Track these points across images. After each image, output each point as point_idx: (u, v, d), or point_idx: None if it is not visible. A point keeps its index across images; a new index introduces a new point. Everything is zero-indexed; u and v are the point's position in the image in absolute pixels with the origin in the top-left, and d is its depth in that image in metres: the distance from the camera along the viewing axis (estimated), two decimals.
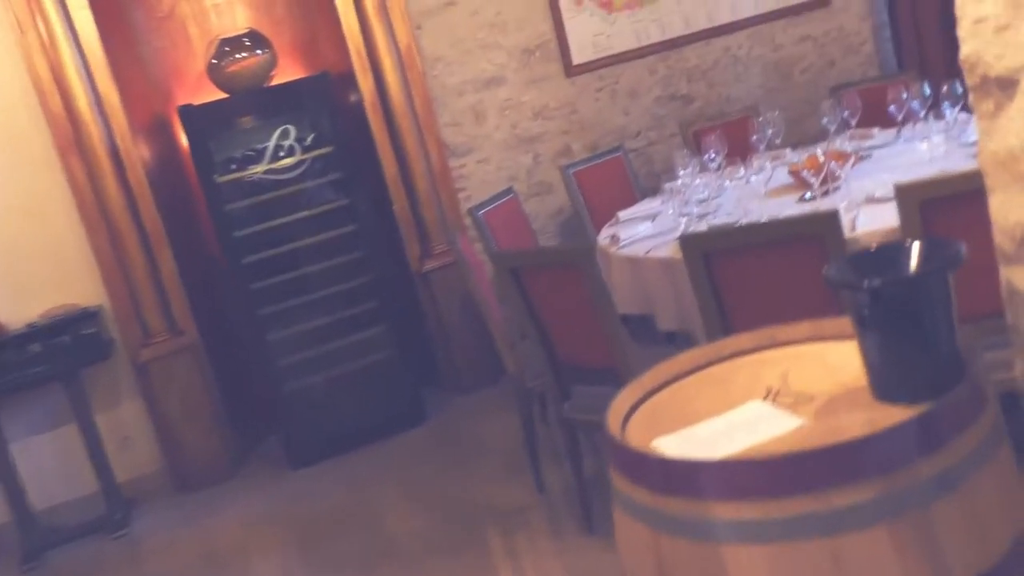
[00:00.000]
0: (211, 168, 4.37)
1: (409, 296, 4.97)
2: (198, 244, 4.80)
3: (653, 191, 4.70)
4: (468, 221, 4.43)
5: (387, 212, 4.85)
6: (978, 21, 1.41)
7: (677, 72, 5.23)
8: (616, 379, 2.94)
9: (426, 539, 3.57)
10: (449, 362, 4.95)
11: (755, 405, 1.69)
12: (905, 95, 3.89)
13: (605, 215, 4.29)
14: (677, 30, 5.17)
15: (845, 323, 1.82)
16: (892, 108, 3.87)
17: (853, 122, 4.05)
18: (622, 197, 4.55)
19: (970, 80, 1.46)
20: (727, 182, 3.54)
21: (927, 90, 3.76)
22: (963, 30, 1.45)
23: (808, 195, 3.36)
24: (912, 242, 1.52)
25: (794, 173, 3.50)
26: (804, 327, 1.90)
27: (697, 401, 1.79)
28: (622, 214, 3.96)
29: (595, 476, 3.43)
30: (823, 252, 2.40)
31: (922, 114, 3.81)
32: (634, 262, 3.29)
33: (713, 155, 3.98)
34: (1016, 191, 1.44)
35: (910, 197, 2.38)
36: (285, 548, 3.83)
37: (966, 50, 1.45)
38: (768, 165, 3.71)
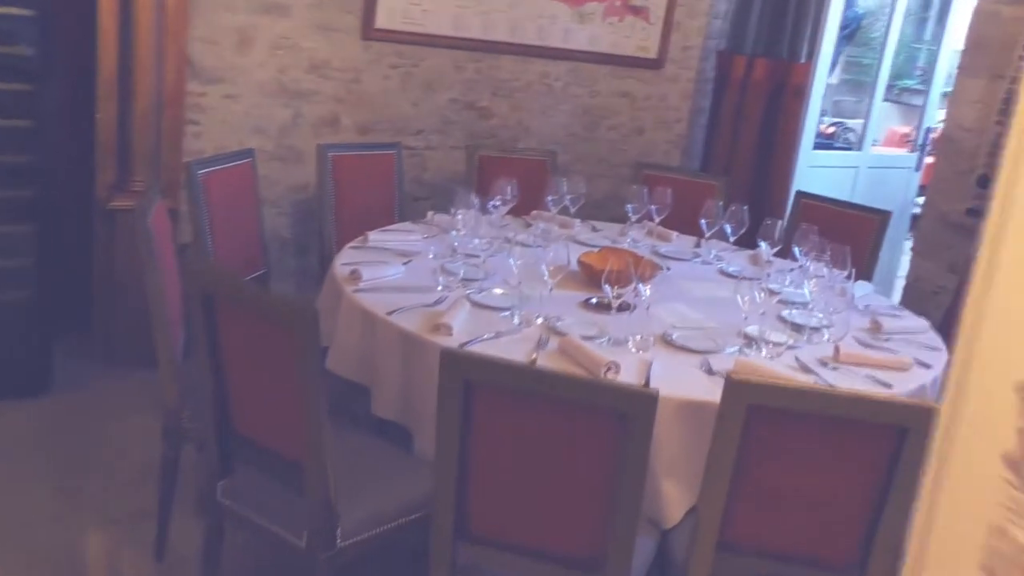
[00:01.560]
0: None
1: (83, 231, 3.89)
2: None
3: (414, 204, 3.99)
4: (184, 178, 3.46)
5: (86, 119, 3.75)
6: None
7: (484, 80, 4.53)
8: (298, 479, 2.19)
9: None
10: (107, 325, 3.92)
11: None
12: (719, 207, 3.45)
13: (353, 218, 3.56)
14: (500, 34, 4.46)
15: None
16: (703, 222, 3.41)
17: (657, 219, 3.56)
18: (380, 204, 3.80)
19: None
20: (507, 255, 2.87)
21: (746, 217, 3.33)
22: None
23: (595, 300, 2.79)
24: None
25: (586, 267, 2.91)
26: None
27: None
28: (372, 236, 3.19)
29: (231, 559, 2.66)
30: (624, 431, 1.79)
31: (732, 239, 3.39)
32: (368, 318, 2.54)
33: (498, 203, 3.33)
34: None
35: (738, 396, 1.82)
36: None
37: None
38: (559, 235, 3.11)
